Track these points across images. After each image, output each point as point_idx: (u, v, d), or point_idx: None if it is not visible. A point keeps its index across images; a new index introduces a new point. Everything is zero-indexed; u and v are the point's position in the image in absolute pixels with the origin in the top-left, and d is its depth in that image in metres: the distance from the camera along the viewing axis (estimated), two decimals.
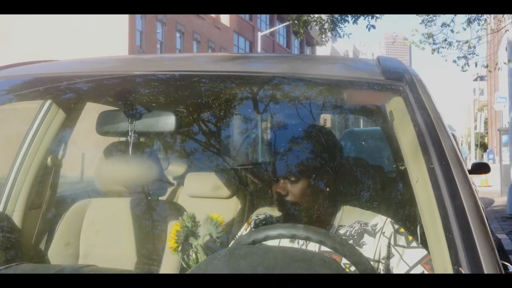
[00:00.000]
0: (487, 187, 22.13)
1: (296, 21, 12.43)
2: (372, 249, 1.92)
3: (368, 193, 2.29)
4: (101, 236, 2.61)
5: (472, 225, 1.29)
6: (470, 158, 46.69)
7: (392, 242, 1.92)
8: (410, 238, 1.93)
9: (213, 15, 36.03)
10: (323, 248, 1.58)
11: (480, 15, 12.58)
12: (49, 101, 2.59)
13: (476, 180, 13.27)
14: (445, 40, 13.01)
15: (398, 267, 1.89)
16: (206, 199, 3.37)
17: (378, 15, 11.69)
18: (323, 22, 12.87)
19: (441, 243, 1.28)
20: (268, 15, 46.22)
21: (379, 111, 1.98)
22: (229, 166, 3.20)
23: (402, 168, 1.81)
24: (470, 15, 12.65)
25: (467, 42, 13.27)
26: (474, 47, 13.29)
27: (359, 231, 1.96)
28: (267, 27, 43.99)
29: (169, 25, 32.49)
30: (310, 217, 2.06)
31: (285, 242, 1.85)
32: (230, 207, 3.19)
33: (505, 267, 1.99)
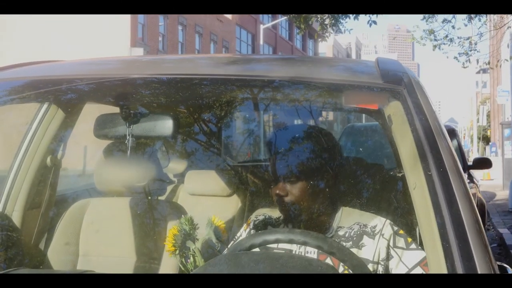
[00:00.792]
0: (489, 180, 22.11)
1: (296, 17, 12.40)
2: (371, 250, 1.92)
3: (368, 195, 2.29)
4: (101, 236, 2.61)
5: (469, 234, 1.29)
6: (472, 151, 46.68)
7: (391, 243, 1.92)
8: (410, 240, 1.94)
9: None
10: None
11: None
12: (48, 102, 2.59)
13: (478, 173, 13.24)
14: (446, 36, 12.97)
15: (397, 269, 1.89)
16: (206, 197, 3.37)
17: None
18: (324, 18, 12.85)
19: (437, 251, 1.28)
20: None
21: (378, 114, 1.97)
22: (229, 164, 3.20)
23: (400, 174, 1.81)
24: None
25: (468, 38, 13.24)
26: (476, 44, 13.26)
27: (358, 232, 1.96)
28: (269, 20, 43.87)
29: (171, 18, 32.45)
30: (309, 218, 2.06)
31: (283, 245, 1.85)
32: (230, 206, 3.20)
33: (504, 269, 1.99)
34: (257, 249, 1.66)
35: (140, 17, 28.89)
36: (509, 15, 12.76)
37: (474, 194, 7.65)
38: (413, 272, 1.86)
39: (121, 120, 2.20)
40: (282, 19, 38.30)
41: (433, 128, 1.58)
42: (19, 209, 2.59)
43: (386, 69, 1.93)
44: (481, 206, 8.15)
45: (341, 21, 12.97)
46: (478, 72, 53.22)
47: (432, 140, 1.54)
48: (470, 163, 8.60)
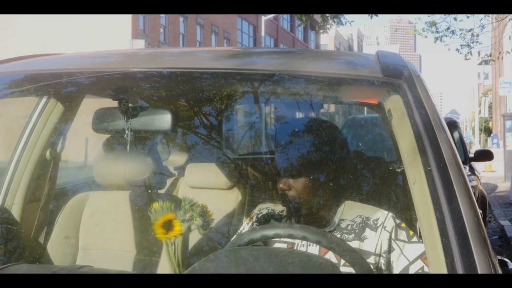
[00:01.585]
0: (490, 172, 22.08)
1: None
2: (373, 243, 1.93)
3: (369, 189, 2.29)
4: (101, 229, 2.61)
5: (469, 229, 1.28)
6: (474, 143, 46.67)
7: (393, 236, 1.94)
8: (411, 233, 1.95)
9: None
10: None
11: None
12: (47, 95, 2.59)
13: (480, 165, 13.24)
14: (448, 28, 12.94)
15: (398, 261, 1.90)
16: (206, 190, 3.37)
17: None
18: None
19: (437, 248, 1.27)
20: None
21: (379, 108, 1.97)
22: (229, 157, 3.20)
23: (400, 169, 1.80)
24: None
25: (470, 30, 13.21)
26: (478, 36, 13.23)
27: (360, 225, 1.97)
28: None
29: None
30: (312, 212, 2.07)
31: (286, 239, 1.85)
32: (231, 199, 3.20)
33: (504, 264, 1.99)
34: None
35: None
36: None
37: (475, 186, 7.64)
38: (414, 265, 1.87)
39: (119, 114, 2.19)
40: None
41: (433, 123, 1.58)
42: (19, 203, 2.59)
43: (386, 62, 1.92)
44: (482, 198, 8.15)
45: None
46: (480, 64, 53.20)
47: (432, 135, 1.53)
48: (471, 155, 8.58)
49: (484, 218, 8.29)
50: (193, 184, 3.42)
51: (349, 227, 1.98)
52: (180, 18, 33.54)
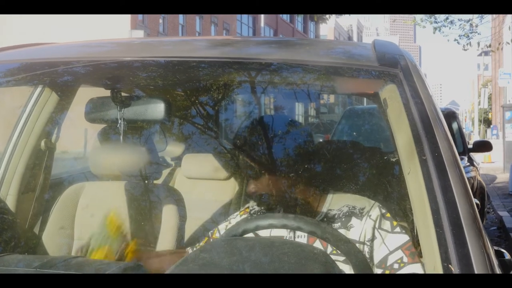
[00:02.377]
0: (490, 163, 22.10)
1: None
2: (358, 231, 1.95)
3: (363, 179, 2.28)
4: (96, 219, 2.60)
5: (463, 220, 1.27)
6: (474, 133, 46.68)
7: (377, 225, 1.95)
8: (395, 223, 1.96)
9: None
10: None
11: None
12: (42, 84, 2.57)
13: (479, 156, 13.24)
14: (447, 18, 12.92)
15: (379, 250, 1.92)
16: (203, 181, 3.37)
17: None
18: None
19: (431, 238, 1.26)
20: None
21: (376, 97, 1.96)
22: (226, 148, 3.19)
23: (395, 159, 1.79)
24: None
25: (469, 21, 13.18)
26: (477, 26, 13.20)
27: (347, 214, 1.99)
28: None
29: None
30: (302, 203, 2.07)
31: (276, 231, 1.85)
32: (227, 189, 3.19)
33: (501, 254, 1.98)
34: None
35: None
36: None
37: (474, 177, 7.63)
38: (394, 254, 1.88)
39: (112, 104, 2.18)
40: None
41: (429, 112, 1.56)
42: (13, 193, 2.58)
43: (382, 51, 1.91)
44: (481, 189, 8.15)
45: None
46: (480, 55, 53.10)
47: (427, 125, 1.52)
48: (470, 146, 8.57)
49: (482, 209, 8.29)
50: (190, 174, 3.42)
51: (335, 216, 2.00)
52: None
